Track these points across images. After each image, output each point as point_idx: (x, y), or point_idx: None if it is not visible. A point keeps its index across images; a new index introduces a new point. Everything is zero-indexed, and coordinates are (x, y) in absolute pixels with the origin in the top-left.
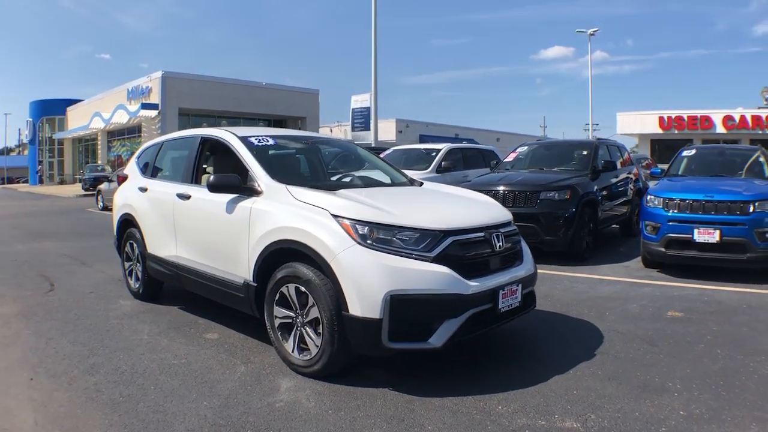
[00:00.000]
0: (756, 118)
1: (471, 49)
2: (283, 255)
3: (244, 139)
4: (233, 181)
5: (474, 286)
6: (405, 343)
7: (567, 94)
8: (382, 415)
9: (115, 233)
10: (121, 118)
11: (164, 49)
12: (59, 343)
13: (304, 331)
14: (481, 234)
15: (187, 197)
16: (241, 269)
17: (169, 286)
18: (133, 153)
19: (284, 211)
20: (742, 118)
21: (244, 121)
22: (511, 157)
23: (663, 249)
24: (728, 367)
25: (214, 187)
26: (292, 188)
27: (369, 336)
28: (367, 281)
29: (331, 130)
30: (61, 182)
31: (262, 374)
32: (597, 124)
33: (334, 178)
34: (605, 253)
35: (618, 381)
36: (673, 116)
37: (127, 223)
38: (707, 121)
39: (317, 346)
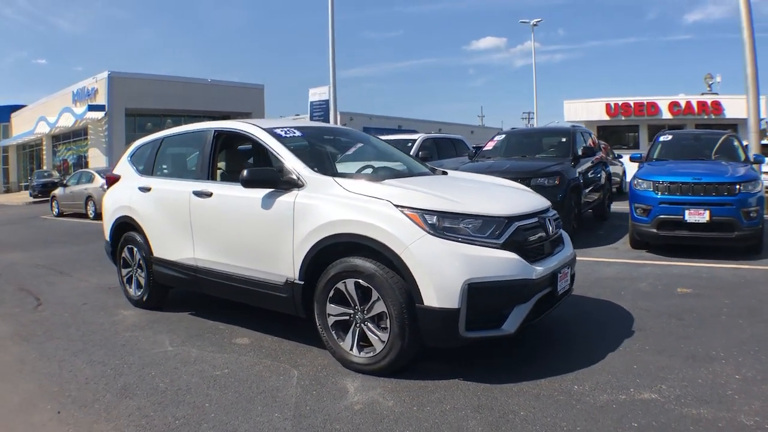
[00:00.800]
0: (702, 104)
1: (404, 42)
2: (337, 250)
3: (271, 131)
4: (271, 175)
5: (538, 270)
6: (480, 332)
7: (500, 84)
8: (469, 406)
9: (108, 238)
10: (67, 122)
11: (100, 52)
12: (74, 365)
13: (365, 327)
14: (536, 219)
15: (208, 195)
16: (283, 268)
17: (176, 291)
18: (81, 157)
19: (337, 203)
20: (688, 104)
21: (189, 119)
22: (489, 146)
23: (655, 230)
24: (757, 334)
25: (249, 182)
26: (341, 180)
27: (446, 327)
28: (444, 271)
29: None
30: (7, 190)
31: (320, 377)
32: (530, 113)
33: (355, 169)
34: (587, 236)
35: (667, 353)
36: (620, 103)
37: (125, 226)
38: (653, 107)
39: (383, 342)
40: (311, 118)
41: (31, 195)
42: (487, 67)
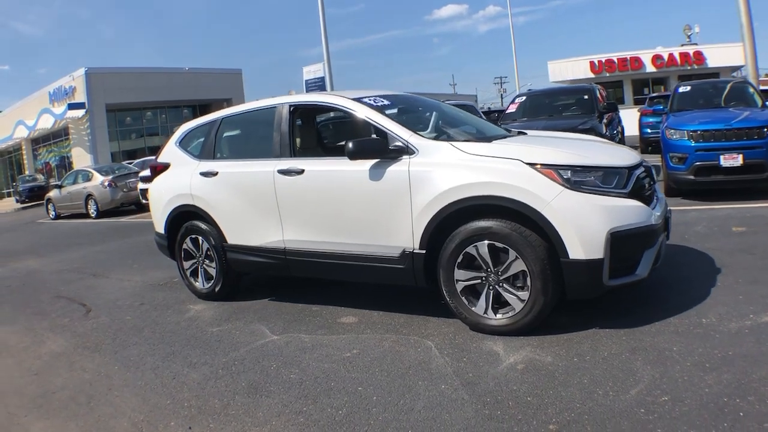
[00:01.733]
0: (684, 55)
1: (366, 16)
2: (462, 214)
3: (361, 101)
4: (379, 144)
5: (656, 215)
6: (620, 279)
7: (466, 50)
8: (625, 350)
9: (163, 231)
10: (47, 123)
11: (62, 52)
12: (174, 371)
13: (500, 288)
14: (644, 168)
15: (297, 172)
16: (400, 238)
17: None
18: (63, 158)
19: (463, 167)
20: (671, 56)
21: (169, 110)
22: (512, 108)
23: (692, 177)
24: None
25: (355, 154)
26: (457, 143)
27: (592, 278)
28: (587, 223)
29: None
30: None
31: (459, 344)
32: (503, 78)
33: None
34: None
35: (760, 283)
36: (604, 60)
37: (186, 216)
38: (637, 61)
39: (522, 301)
40: None
41: (17, 201)
42: (451, 35)
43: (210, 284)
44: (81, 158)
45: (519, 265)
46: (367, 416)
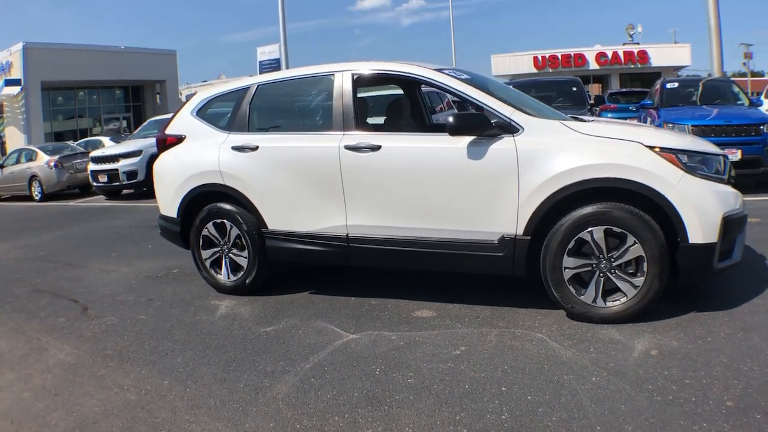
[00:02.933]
0: (628, 54)
1: (289, 4)
2: (574, 198)
3: (443, 72)
4: (481, 120)
5: (742, 201)
6: (723, 263)
7: (388, 43)
8: (737, 329)
9: (174, 215)
10: None
11: None
12: (250, 383)
13: (611, 275)
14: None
15: (372, 148)
16: (501, 223)
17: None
18: None
19: (577, 148)
20: (615, 54)
21: (103, 90)
22: None
23: None
24: None
25: (457, 129)
26: (568, 123)
27: (706, 261)
28: (706, 207)
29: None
30: None
31: (572, 335)
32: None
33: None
34: None
35: None
36: (547, 56)
37: (209, 196)
38: (581, 58)
39: (636, 288)
40: None
41: None
42: (373, 27)
43: (239, 276)
44: (15, 138)
45: (636, 251)
46: (539, 418)
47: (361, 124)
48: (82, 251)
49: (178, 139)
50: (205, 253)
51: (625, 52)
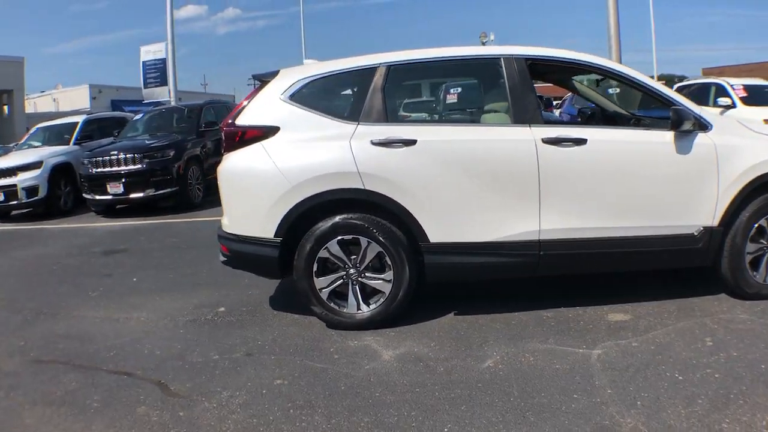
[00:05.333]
0: None
1: (110, 13)
2: (760, 189)
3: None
4: (687, 116)
5: None
6: None
7: (206, 52)
8: None
9: (272, 235)
10: None
11: None
12: None
13: None
14: None
15: (576, 142)
16: (701, 216)
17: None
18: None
19: (759, 144)
20: None
21: None
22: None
23: None
24: None
25: (677, 124)
26: (742, 121)
27: None
28: None
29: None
30: None
31: None
32: (251, 78)
33: None
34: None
35: None
36: None
37: (331, 207)
38: None
39: None
40: (145, 81)
41: None
42: (190, 36)
43: (378, 304)
44: None
45: None
46: None
47: (532, 116)
48: (40, 293)
49: (266, 132)
50: (322, 282)
51: None
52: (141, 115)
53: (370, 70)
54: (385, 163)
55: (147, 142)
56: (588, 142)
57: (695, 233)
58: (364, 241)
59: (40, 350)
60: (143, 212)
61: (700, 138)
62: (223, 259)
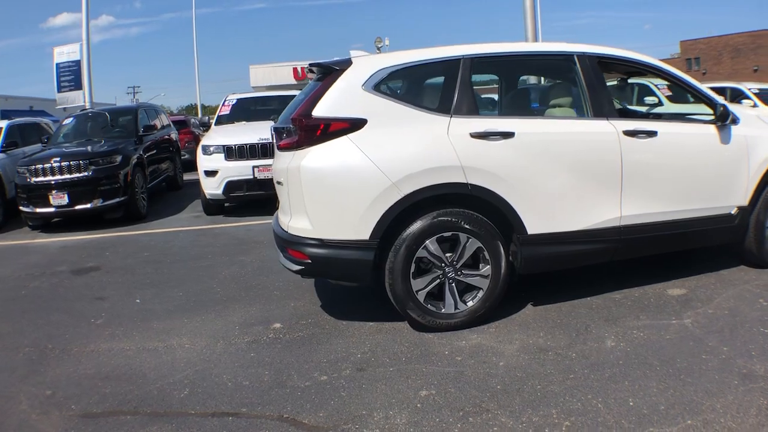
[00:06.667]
0: None
1: None
2: None
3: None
4: (728, 111)
5: None
6: None
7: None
8: None
9: (367, 237)
10: None
11: None
12: None
13: None
14: None
15: (650, 133)
16: (737, 197)
17: None
18: None
19: None
20: None
21: None
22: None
23: None
24: None
25: (722, 118)
26: (760, 116)
27: None
28: None
29: None
30: None
31: None
32: (135, 87)
33: None
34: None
35: None
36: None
37: (430, 204)
38: None
39: None
40: (59, 84)
41: None
42: (67, 42)
43: (476, 302)
44: None
45: None
46: None
47: (610, 111)
48: (27, 324)
49: (353, 125)
50: (419, 283)
51: None
52: (71, 119)
53: (453, 61)
54: (486, 155)
55: (91, 147)
56: (659, 134)
57: (732, 213)
58: (463, 237)
59: (80, 400)
60: (85, 226)
61: (735, 130)
62: (297, 268)
